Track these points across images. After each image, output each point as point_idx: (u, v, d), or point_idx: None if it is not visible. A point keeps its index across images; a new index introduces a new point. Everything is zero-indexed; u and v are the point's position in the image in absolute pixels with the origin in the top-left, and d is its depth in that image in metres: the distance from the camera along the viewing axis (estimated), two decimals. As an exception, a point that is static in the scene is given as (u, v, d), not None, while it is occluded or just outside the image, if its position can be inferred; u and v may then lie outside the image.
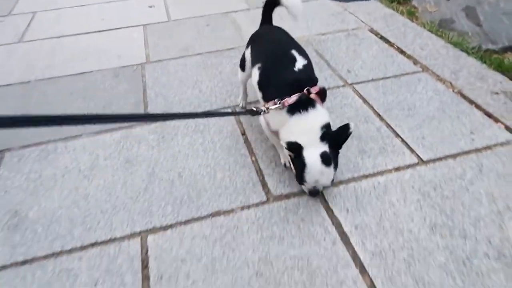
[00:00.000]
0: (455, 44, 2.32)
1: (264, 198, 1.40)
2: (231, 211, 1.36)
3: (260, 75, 1.44)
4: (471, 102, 1.83)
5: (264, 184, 1.46)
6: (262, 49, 1.55)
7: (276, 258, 1.19)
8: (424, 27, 2.56)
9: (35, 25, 2.92)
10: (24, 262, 1.23)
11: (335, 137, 1.27)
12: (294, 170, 1.33)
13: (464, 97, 1.87)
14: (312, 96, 1.30)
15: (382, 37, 2.45)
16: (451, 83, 1.97)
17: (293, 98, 1.28)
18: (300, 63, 1.38)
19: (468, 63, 2.14)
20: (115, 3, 3.23)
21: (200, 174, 1.51)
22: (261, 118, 1.45)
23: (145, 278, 1.16)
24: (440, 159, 1.52)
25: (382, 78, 2.03)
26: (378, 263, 1.16)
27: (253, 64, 1.53)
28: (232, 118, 1.81)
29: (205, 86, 2.07)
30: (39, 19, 3.01)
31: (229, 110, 1.85)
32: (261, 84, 1.44)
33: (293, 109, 1.29)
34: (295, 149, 1.24)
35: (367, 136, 1.65)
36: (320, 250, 1.21)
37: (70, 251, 1.26)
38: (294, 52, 1.41)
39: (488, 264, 1.14)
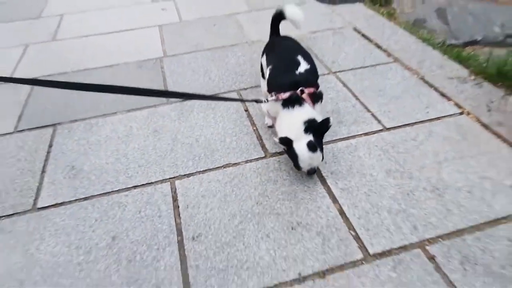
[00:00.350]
0: (424, 40, 2.75)
1: (263, 155, 1.83)
2: (238, 163, 1.79)
3: (270, 74, 1.79)
4: (430, 85, 2.26)
5: (263, 146, 1.89)
6: (274, 55, 1.88)
7: (271, 193, 1.62)
8: (400, 26, 3.00)
9: (64, 26, 3.36)
10: (85, 199, 1.66)
11: (318, 128, 1.58)
12: (292, 160, 1.63)
13: (425, 81, 2.30)
14: (304, 96, 1.63)
15: (363, 35, 2.88)
16: (416, 71, 2.40)
17: (286, 94, 1.63)
18: (302, 67, 1.71)
19: (432, 55, 2.57)
20: (132, 7, 3.67)
21: (213, 139, 1.95)
22: (263, 105, 1.79)
23: (176, 207, 1.59)
24: (400, 126, 1.95)
25: (360, 68, 2.47)
26: (346, 195, 1.59)
27: (267, 66, 1.86)
28: (238, 97, 2.24)
29: (214, 74, 2.50)
30: (67, 21, 3.45)
31: (238, 97, 2.29)
32: (269, 81, 1.79)
33: (284, 104, 1.64)
34: (287, 143, 1.57)
35: (344, 111, 2.08)
36: (304, 187, 1.64)
37: (118, 191, 1.69)
38: (299, 58, 1.74)
39: (425, 195, 1.57)
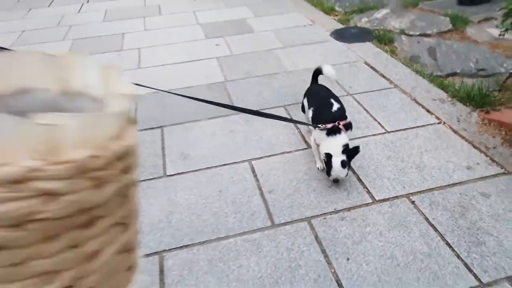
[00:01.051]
0: (417, 72, 3.74)
1: (306, 147, 2.79)
2: (290, 151, 2.76)
3: (313, 114, 2.62)
4: (419, 104, 3.23)
5: (305, 141, 2.86)
6: (314, 99, 2.73)
7: (313, 168, 2.58)
8: (400, 61, 3.99)
9: (144, 57, 4.42)
10: (195, 171, 2.63)
11: (350, 152, 2.32)
12: (326, 168, 2.44)
13: (416, 102, 3.27)
14: (340, 126, 2.43)
15: (371, 67, 3.88)
16: (410, 94, 3.38)
17: (330, 125, 2.44)
18: (335, 106, 2.55)
19: (422, 83, 3.54)
20: (191, 43, 4.75)
21: (272, 137, 2.92)
22: (312, 138, 2.60)
23: (255, 175, 2.55)
24: (397, 130, 2.91)
25: (370, 91, 3.45)
26: (361, 170, 2.54)
27: (308, 107, 2.72)
28: (285, 111, 3.23)
29: (265, 94, 3.50)
30: (144, 53, 4.52)
31: (284, 111, 3.28)
32: (313, 117, 2.62)
33: (328, 133, 2.47)
34: (328, 157, 2.39)
35: (359, 120, 3.05)
36: (334, 165, 2.60)
37: (216, 166, 2.66)
38: (332, 100, 2.58)
39: (411, 170, 2.51)
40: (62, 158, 0.36)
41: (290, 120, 3.00)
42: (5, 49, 0.72)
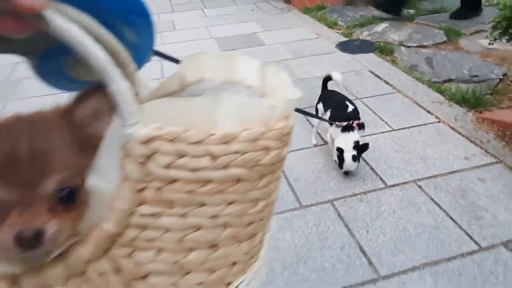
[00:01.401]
0: (416, 78, 4.15)
1: (323, 143, 3.17)
2: (309, 147, 3.13)
3: (331, 114, 2.96)
4: (420, 106, 3.63)
5: (322, 138, 3.23)
6: (330, 102, 3.08)
7: (331, 160, 2.95)
8: (400, 69, 4.41)
9: (166, 68, 4.80)
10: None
11: (360, 148, 2.66)
12: (338, 162, 2.81)
13: (417, 104, 3.67)
14: (354, 125, 2.80)
15: (376, 75, 4.29)
16: (411, 98, 3.78)
17: (345, 123, 2.80)
18: (350, 108, 2.91)
19: (422, 88, 3.95)
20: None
21: (292, 136, 3.29)
22: (328, 134, 2.97)
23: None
24: (402, 128, 3.29)
25: (376, 96, 3.85)
26: (373, 161, 2.91)
27: (325, 110, 3.05)
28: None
29: (281, 100, 3.88)
30: (166, 65, 4.90)
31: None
32: (331, 117, 2.97)
33: (343, 129, 2.82)
34: (340, 151, 2.76)
35: (368, 120, 3.43)
36: (349, 158, 2.97)
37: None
38: (347, 103, 2.96)
39: (416, 161, 2.89)
40: (273, 126, 0.56)
41: (317, 117, 3.30)
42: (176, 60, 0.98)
